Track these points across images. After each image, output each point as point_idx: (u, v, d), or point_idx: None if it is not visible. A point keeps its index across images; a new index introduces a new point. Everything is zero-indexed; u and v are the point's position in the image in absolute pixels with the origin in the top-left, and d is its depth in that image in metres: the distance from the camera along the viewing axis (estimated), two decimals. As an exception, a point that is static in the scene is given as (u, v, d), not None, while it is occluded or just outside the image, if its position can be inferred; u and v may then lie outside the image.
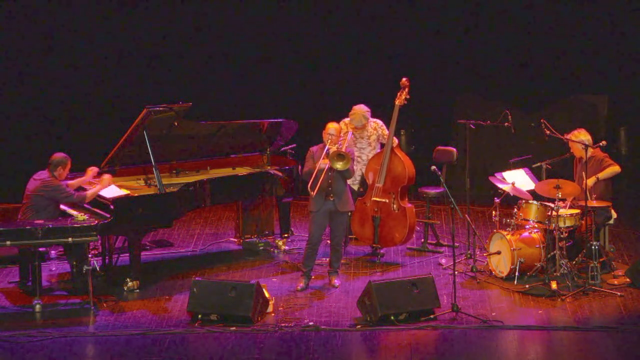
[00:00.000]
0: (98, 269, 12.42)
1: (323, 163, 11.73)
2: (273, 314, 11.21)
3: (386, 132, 13.09)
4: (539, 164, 12.64)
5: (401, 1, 17.75)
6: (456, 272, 11.49)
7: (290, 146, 13.76)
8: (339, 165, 11.64)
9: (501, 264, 12.22)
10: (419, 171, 13.12)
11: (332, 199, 11.83)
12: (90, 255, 11.99)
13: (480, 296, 11.71)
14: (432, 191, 13.53)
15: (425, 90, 16.83)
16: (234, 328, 10.79)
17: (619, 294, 11.62)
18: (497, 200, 12.50)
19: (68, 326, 10.94)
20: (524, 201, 12.26)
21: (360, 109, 12.95)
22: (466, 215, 12.42)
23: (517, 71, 17.43)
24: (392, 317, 10.86)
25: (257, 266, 12.95)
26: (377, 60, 17.65)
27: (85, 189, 12.19)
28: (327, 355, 10.16)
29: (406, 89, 12.95)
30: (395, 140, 12.93)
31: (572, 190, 12.01)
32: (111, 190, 12.17)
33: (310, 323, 10.91)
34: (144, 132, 12.17)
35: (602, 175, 12.28)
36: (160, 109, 12.15)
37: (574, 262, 12.05)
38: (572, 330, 10.72)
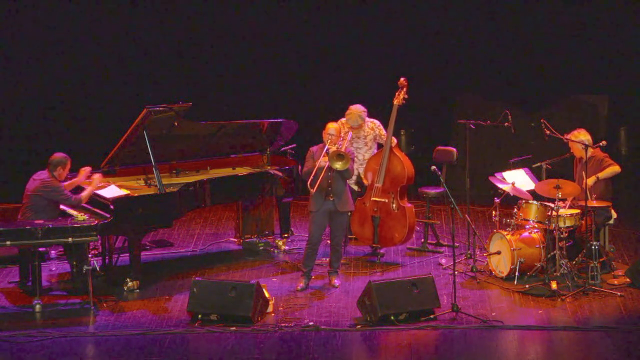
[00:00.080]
0: (98, 269, 12.43)
1: (323, 161, 11.73)
2: (273, 314, 11.21)
3: (383, 132, 13.08)
4: (539, 164, 12.64)
5: (401, 1, 17.75)
6: (456, 272, 11.49)
7: (290, 146, 13.76)
8: (338, 165, 11.64)
9: (501, 264, 12.22)
10: (418, 171, 13.11)
11: (331, 199, 11.83)
12: (90, 255, 12.00)
13: (480, 296, 11.71)
14: (432, 191, 13.53)
15: (425, 90, 16.85)
16: (234, 328, 10.78)
17: (619, 294, 11.62)
18: (497, 200, 12.50)
19: (68, 326, 10.94)
20: (524, 201, 12.26)
21: (357, 109, 12.94)
22: (466, 215, 12.42)
23: (517, 71, 17.42)
24: (392, 317, 10.86)
25: (257, 266, 12.95)
26: (377, 60, 17.64)
27: (84, 188, 12.18)
28: (327, 355, 10.16)
29: (404, 89, 12.94)
30: (394, 140, 12.93)
31: (572, 190, 12.01)
32: (111, 190, 12.17)
33: (310, 323, 10.91)
34: (144, 132, 12.17)
35: (602, 174, 12.28)
36: (160, 109, 12.15)
37: (574, 262, 12.05)
38: (572, 330, 10.72)
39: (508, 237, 12.07)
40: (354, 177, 13.05)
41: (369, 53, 17.79)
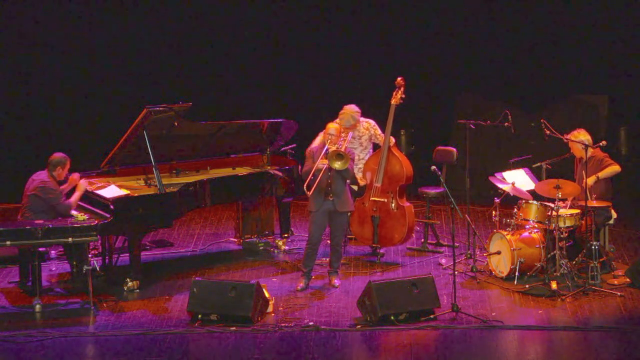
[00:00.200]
0: (98, 269, 12.43)
1: (321, 163, 11.73)
2: (273, 314, 11.21)
3: (379, 131, 13.08)
4: (539, 164, 12.64)
5: (401, 1, 17.74)
6: (456, 272, 11.49)
7: (290, 146, 13.76)
8: (337, 165, 11.64)
9: (501, 264, 12.22)
10: (418, 171, 13.10)
11: (331, 199, 11.83)
12: (90, 255, 12.00)
13: (480, 296, 11.70)
14: (432, 191, 13.53)
15: (425, 90, 16.86)
16: (234, 328, 10.78)
17: (619, 294, 11.62)
18: (497, 200, 12.50)
19: (68, 326, 10.94)
20: (524, 201, 12.26)
21: (350, 109, 12.93)
22: (466, 215, 12.42)
23: (517, 71, 17.42)
24: (392, 317, 10.86)
25: (257, 266, 12.95)
26: (377, 60, 17.64)
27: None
28: (327, 355, 10.16)
29: (402, 88, 12.93)
30: (392, 140, 12.92)
31: (572, 190, 12.01)
32: (111, 190, 12.17)
33: (310, 323, 10.91)
34: (144, 132, 12.17)
35: (602, 174, 12.29)
36: (160, 109, 12.15)
37: (574, 262, 12.05)
38: (572, 330, 10.72)
39: (508, 237, 12.07)
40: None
41: (369, 53, 17.79)
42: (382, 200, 12.82)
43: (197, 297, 11.02)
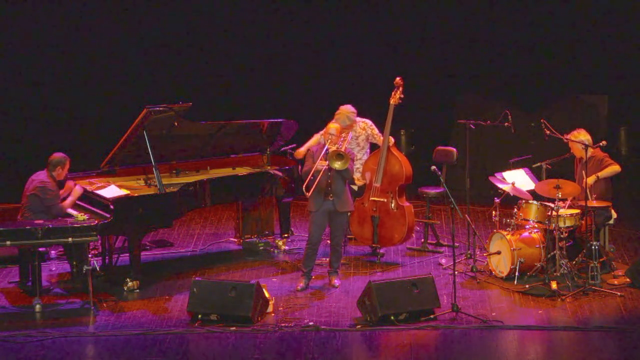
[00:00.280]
0: (98, 269, 12.42)
1: (320, 164, 11.74)
2: (273, 314, 11.21)
3: (376, 131, 13.08)
4: (539, 164, 12.64)
5: (401, 1, 17.75)
6: (456, 272, 11.49)
7: (290, 146, 13.75)
8: (337, 165, 11.64)
9: (501, 264, 12.22)
10: (418, 171, 13.09)
11: (331, 199, 11.83)
12: (90, 255, 12.00)
13: (480, 296, 11.70)
14: (432, 191, 13.53)
15: (425, 90, 16.86)
16: (234, 328, 10.78)
17: (619, 294, 11.62)
18: (497, 200, 12.50)
19: (68, 326, 10.94)
20: (524, 201, 12.26)
21: (346, 109, 12.92)
22: (466, 215, 12.41)
23: (517, 71, 17.43)
24: (392, 317, 10.86)
25: (257, 266, 12.95)
26: (377, 60, 17.64)
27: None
28: (327, 355, 10.16)
29: (400, 88, 12.92)
30: (391, 140, 12.92)
31: (572, 190, 12.01)
32: (111, 190, 12.17)
33: (310, 323, 10.90)
34: (144, 132, 12.17)
35: (602, 174, 12.28)
36: (160, 109, 12.15)
37: (574, 262, 12.05)
38: (572, 330, 10.72)
39: (508, 237, 12.07)
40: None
41: (369, 53, 17.80)
42: (382, 200, 12.82)
43: (197, 297, 11.02)
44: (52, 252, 12.94)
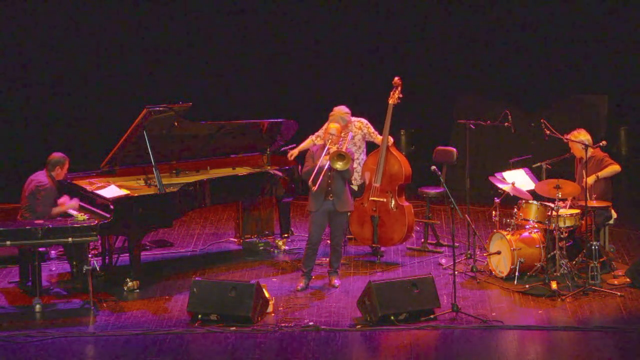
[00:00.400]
0: (98, 269, 12.42)
1: (325, 159, 11.73)
2: (273, 314, 11.21)
3: (372, 129, 13.08)
4: (539, 164, 12.64)
5: (401, 1, 17.76)
6: (456, 272, 11.49)
7: (290, 146, 13.74)
8: (338, 165, 11.64)
9: (501, 264, 12.22)
10: (418, 171, 13.08)
11: (331, 199, 11.83)
12: (90, 255, 11.99)
13: (480, 296, 11.70)
14: (432, 191, 13.53)
15: (425, 90, 16.87)
16: (234, 328, 10.78)
17: (619, 294, 11.62)
18: (497, 200, 12.50)
19: (68, 326, 10.94)
20: (524, 201, 12.26)
21: (340, 110, 12.90)
22: (466, 215, 12.41)
23: (517, 71, 17.43)
24: (392, 317, 10.86)
25: (257, 266, 12.95)
26: (378, 60, 17.65)
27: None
28: (327, 355, 10.16)
29: (399, 88, 12.92)
30: (391, 139, 12.91)
31: (572, 190, 12.01)
32: (111, 190, 12.17)
33: (310, 323, 10.90)
34: (144, 132, 12.17)
35: (602, 174, 12.28)
36: (160, 109, 12.15)
37: (574, 262, 12.05)
38: (572, 330, 10.71)
39: (508, 237, 12.07)
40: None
41: (369, 53, 17.81)
42: (382, 200, 12.82)
43: (197, 297, 11.02)
44: (52, 252, 12.94)
